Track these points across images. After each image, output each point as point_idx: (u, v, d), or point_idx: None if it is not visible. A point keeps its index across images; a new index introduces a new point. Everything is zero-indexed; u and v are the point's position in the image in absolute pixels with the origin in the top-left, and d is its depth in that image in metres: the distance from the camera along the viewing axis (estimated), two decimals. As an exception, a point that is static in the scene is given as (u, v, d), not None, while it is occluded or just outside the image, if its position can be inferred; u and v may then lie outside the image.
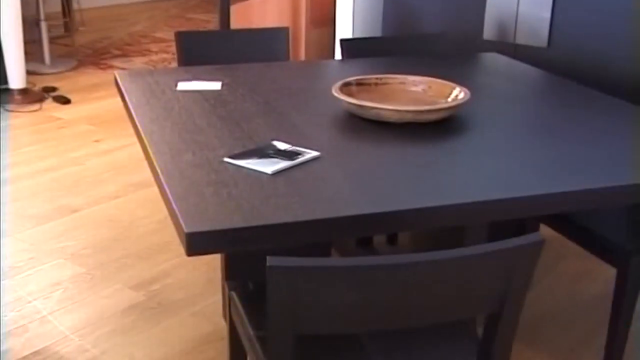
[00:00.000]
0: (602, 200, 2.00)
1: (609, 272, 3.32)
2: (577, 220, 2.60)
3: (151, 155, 2.05)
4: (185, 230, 1.62)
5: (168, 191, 1.81)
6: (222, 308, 3.01)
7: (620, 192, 2.00)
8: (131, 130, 4.63)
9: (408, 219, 1.79)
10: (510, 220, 1.94)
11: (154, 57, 7.11)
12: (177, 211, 1.71)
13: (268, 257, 1.40)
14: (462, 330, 1.96)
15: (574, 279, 3.30)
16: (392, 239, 3.49)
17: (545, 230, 2.84)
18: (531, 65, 3.29)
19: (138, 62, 6.89)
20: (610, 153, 2.19)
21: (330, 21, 5.11)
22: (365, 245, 3.25)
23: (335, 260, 1.43)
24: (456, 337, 1.94)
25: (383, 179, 1.94)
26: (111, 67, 6.68)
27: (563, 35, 3.84)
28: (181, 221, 1.66)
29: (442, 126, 2.36)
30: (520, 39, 3.97)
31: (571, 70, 3.84)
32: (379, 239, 3.48)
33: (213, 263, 3.34)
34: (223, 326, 2.89)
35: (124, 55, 7.17)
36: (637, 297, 2.49)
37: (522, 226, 2.92)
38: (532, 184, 1.95)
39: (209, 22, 8.93)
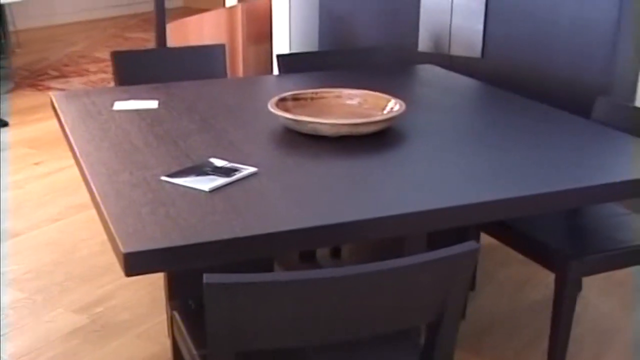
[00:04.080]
0: (539, 206, 2.03)
1: (551, 278, 3.38)
2: (516, 227, 2.64)
3: (87, 176, 2.04)
4: (123, 250, 1.61)
5: (105, 212, 1.80)
6: (168, 328, 2.99)
7: (556, 198, 2.04)
8: (70, 152, 4.59)
9: (346, 231, 1.80)
10: (450, 229, 1.97)
11: (93, 77, 7.05)
12: (114, 232, 1.70)
13: (205, 275, 1.40)
14: (405, 340, 1.97)
15: (516, 286, 3.35)
16: (335, 252, 3.50)
17: (487, 238, 2.88)
18: (466, 75, 3.34)
19: (76, 83, 6.82)
20: (545, 160, 2.24)
21: (267, 37, 5.12)
22: (308, 259, 3.26)
23: (273, 275, 1.44)
24: (400, 347, 1.95)
25: (321, 193, 1.95)
26: (49, 88, 6.61)
27: (496, 46, 3.91)
28: (118, 242, 1.65)
29: (379, 138, 2.39)
30: (455, 51, 4.03)
31: (505, 79, 3.91)
32: (323, 252, 3.49)
33: (158, 282, 3.31)
34: (169, 346, 2.87)
35: (62, 76, 7.10)
36: (576, 300, 2.54)
37: (463, 235, 2.95)
38: (469, 193, 1.98)
39: (148, 40, 8.89)
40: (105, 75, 7.11)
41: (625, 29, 3.66)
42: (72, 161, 4.68)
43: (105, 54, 8.03)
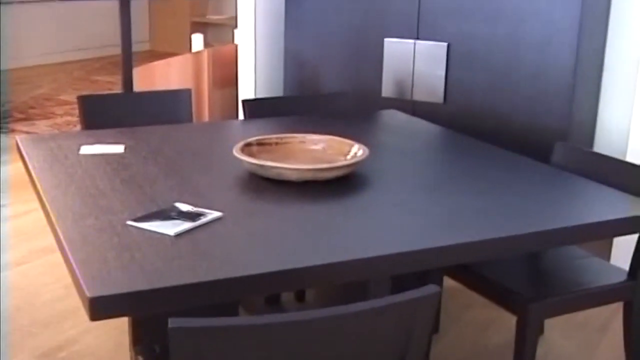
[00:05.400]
0: (499, 250, 2.07)
1: (514, 320, 3.41)
2: (477, 270, 2.68)
3: (53, 221, 2.05)
4: (88, 295, 1.62)
5: (70, 257, 1.81)
6: (131, 372, 2.98)
7: (515, 242, 2.08)
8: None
9: (310, 275, 1.83)
10: (414, 272, 2.00)
11: (59, 120, 7.04)
12: (79, 276, 1.71)
13: (169, 319, 1.42)
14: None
15: (480, 328, 3.38)
16: (299, 295, 3.51)
17: (452, 281, 2.91)
18: (429, 120, 3.40)
19: (42, 126, 6.81)
20: (505, 204, 2.28)
21: (233, 82, 5.17)
22: (273, 302, 3.27)
23: (238, 320, 1.46)
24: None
25: (285, 237, 1.97)
26: (14, 131, 6.59)
27: (458, 92, 3.99)
28: (84, 286, 1.66)
29: (342, 183, 2.42)
30: (418, 96, 4.10)
31: (466, 124, 3.98)
32: (287, 296, 3.50)
33: (122, 327, 3.30)
34: (132, 391, 2.86)
35: (28, 119, 7.08)
36: (538, 342, 2.57)
37: (426, 278, 2.99)
38: (431, 237, 2.02)
39: (114, 83, 8.90)
40: (71, 118, 7.11)
41: (581, 75, 3.75)
42: (37, 204, 4.67)
43: (71, 97, 8.03)
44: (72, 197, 2.23)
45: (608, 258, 3.81)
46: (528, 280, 2.61)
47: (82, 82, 9.01)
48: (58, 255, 3.99)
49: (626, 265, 3.00)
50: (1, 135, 6.40)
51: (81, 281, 1.68)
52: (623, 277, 2.64)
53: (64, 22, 10.35)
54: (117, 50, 10.87)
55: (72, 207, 2.15)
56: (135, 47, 10.93)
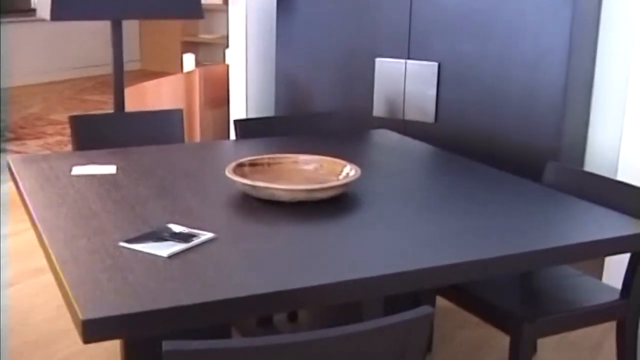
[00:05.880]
0: (492, 270, 2.08)
1: (507, 340, 3.41)
2: (470, 290, 2.68)
3: (46, 242, 2.04)
4: (81, 317, 1.62)
5: (63, 278, 1.81)
6: (123, 394, 2.96)
7: (508, 261, 2.09)
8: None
9: (303, 297, 1.82)
10: (406, 293, 2.00)
11: (50, 140, 7.04)
12: (72, 298, 1.70)
13: (163, 342, 1.42)
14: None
15: (473, 348, 3.37)
16: (292, 316, 3.51)
17: (444, 301, 2.91)
18: (420, 140, 3.42)
19: (33, 145, 6.80)
20: (498, 224, 2.29)
21: (224, 101, 5.18)
22: (265, 323, 3.26)
23: (231, 342, 1.45)
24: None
25: (278, 258, 1.97)
26: (5, 150, 6.58)
27: (449, 111, 4.00)
28: (77, 308, 1.66)
29: (335, 204, 2.42)
30: (409, 115, 4.11)
31: (457, 144, 3.99)
32: (280, 316, 3.50)
33: (113, 349, 3.29)
34: (124, 412, 2.84)
35: (18, 138, 7.07)
36: (530, 361, 2.57)
37: (419, 298, 2.99)
38: (424, 257, 2.02)
39: (105, 103, 8.91)
40: (62, 138, 7.10)
41: (572, 94, 3.77)
42: (28, 224, 4.65)
43: (62, 117, 8.03)
44: (64, 218, 2.22)
45: (600, 277, 3.81)
46: (521, 299, 2.61)
47: (73, 101, 9.01)
48: (50, 276, 3.98)
49: (618, 284, 3.01)
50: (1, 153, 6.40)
51: (74, 303, 1.68)
52: (615, 296, 2.65)
53: (55, 41, 10.36)
54: (108, 70, 10.90)
55: (64, 228, 2.14)
56: (126, 66, 10.96)
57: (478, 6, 3.84)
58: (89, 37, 10.82)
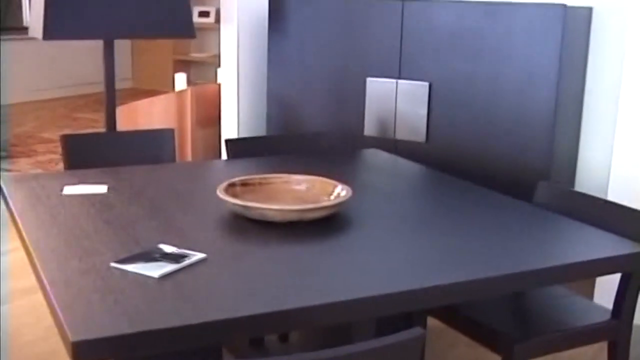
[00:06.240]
0: (483, 290, 2.08)
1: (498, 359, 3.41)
2: (461, 310, 2.68)
3: (36, 263, 2.04)
4: (71, 339, 1.61)
5: (53, 300, 1.80)
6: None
7: (499, 282, 2.09)
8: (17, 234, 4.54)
9: (294, 318, 1.82)
10: (397, 313, 2.00)
11: (41, 158, 7.03)
12: (62, 320, 1.70)
13: (154, 364, 1.41)
14: None
15: (463, 367, 3.37)
16: (283, 337, 3.50)
17: (436, 320, 2.91)
18: (411, 159, 3.42)
19: (24, 164, 6.79)
20: (489, 244, 2.29)
21: (216, 121, 5.19)
22: (256, 343, 3.25)
23: (222, 364, 1.45)
24: None
25: (269, 279, 1.97)
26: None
27: (440, 131, 4.02)
28: (67, 330, 1.65)
29: (326, 224, 2.43)
30: (400, 135, 4.12)
31: (448, 163, 4.00)
32: (271, 337, 3.48)
33: (103, 368, 3.27)
34: None
35: (10, 156, 7.06)
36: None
37: (410, 319, 2.98)
38: (415, 278, 2.02)
39: (97, 121, 8.91)
40: (53, 156, 7.09)
41: (562, 114, 3.79)
42: (18, 243, 4.64)
43: (54, 135, 8.02)
44: (55, 239, 2.22)
45: (591, 296, 3.82)
46: (512, 320, 2.61)
47: (65, 119, 9.01)
48: (39, 296, 3.96)
49: (610, 304, 3.01)
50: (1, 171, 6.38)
51: (64, 325, 1.67)
52: (607, 317, 2.65)
53: (47, 59, 10.37)
54: (100, 88, 10.90)
55: (55, 248, 2.14)
56: (118, 85, 10.97)
57: (469, 26, 3.87)
58: (82, 55, 10.84)
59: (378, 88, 4.16)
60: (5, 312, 3.81)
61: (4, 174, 2.60)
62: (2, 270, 4.35)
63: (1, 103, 9.59)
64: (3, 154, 6.98)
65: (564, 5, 3.60)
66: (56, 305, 1.77)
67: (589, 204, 2.76)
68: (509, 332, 2.52)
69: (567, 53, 3.70)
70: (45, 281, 1.91)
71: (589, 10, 3.95)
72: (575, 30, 3.78)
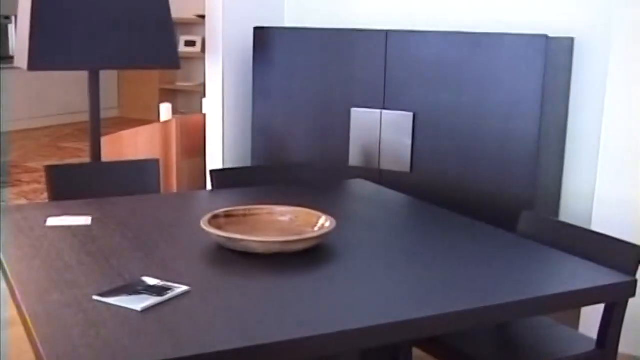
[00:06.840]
0: (468, 321, 2.08)
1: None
2: (446, 341, 2.67)
3: (17, 296, 2.02)
4: (52, 374, 1.60)
5: (35, 334, 1.79)
6: None
7: (484, 313, 2.09)
8: None
9: (278, 351, 1.81)
10: (382, 345, 1.99)
11: (26, 188, 7.00)
12: (43, 355, 1.68)
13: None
14: None
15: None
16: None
17: (420, 351, 2.90)
18: (396, 189, 3.43)
19: (9, 193, 6.76)
20: (473, 275, 2.29)
21: (201, 151, 5.19)
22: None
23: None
24: None
25: (252, 312, 1.96)
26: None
27: (424, 161, 4.03)
28: (48, 365, 1.64)
29: (310, 255, 2.42)
30: (385, 165, 4.13)
31: (433, 193, 4.01)
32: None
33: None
34: None
35: (-6, 186, 7.03)
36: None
37: (395, 350, 2.97)
38: (400, 310, 2.02)
39: (82, 150, 8.89)
40: (38, 186, 7.07)
41: (545, 144, 3.81)
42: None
43: (39, 164, 8.00)
44: (37, 271, 2.21)
45: (577, 326, 3.82)
46: (497, 350, 2.61)
47: (50, 148, 8.99)
48: (20, 329, 3.93)
49: (594, 334, 3.02)
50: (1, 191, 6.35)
51: (45, 359, 1.66)
52: (592, 346, 2.65)
53: (33, 88, 10.37)
54: (86, 116, 10.90)
55: (36, 281, 2.13)
56: (104, 114, 10.98)
57: (452, 57, 3.89)
58: (67, 84, 10.84)
59: (362, 118, 4.18)
60: (-12, 344, 3.78)
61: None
62: (-15, 301, 4.32)
63: (-14, 132, 9.58)
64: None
65: (546, 36, 3.63)
66: (37, 339, 1.76)
67: (573, 233, 2.77)
68: (494, 363, 2.51)
69: (550, 83, 3.73)
70: (26, 314, 1.90)
71: (571, 40, 3.99)
72: (557, 61, 3.81)
